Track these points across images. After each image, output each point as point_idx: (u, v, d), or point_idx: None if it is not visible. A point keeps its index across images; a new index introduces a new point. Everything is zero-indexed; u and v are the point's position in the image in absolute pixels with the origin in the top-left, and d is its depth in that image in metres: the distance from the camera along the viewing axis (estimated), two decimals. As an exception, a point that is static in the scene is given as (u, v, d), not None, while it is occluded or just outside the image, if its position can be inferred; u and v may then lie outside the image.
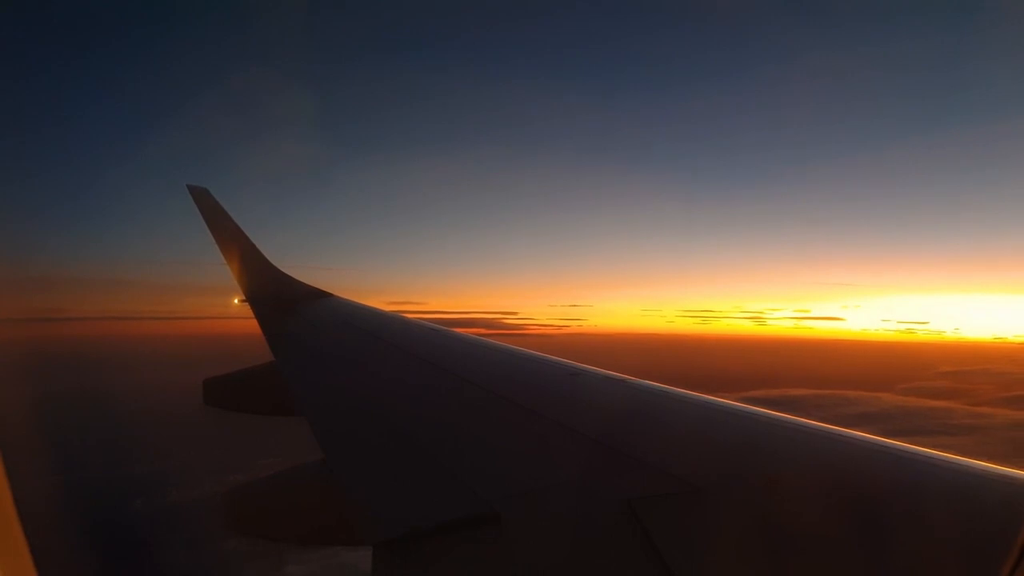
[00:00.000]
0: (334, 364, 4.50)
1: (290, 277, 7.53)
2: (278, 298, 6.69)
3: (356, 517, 2.09)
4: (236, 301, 6.83)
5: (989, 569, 1.48)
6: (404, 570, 1.71)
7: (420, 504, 2.05)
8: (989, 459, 2.07)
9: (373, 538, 1.84)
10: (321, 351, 4.98)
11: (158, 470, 35.85)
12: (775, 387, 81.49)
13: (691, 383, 3.49)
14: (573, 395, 3.39)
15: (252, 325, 5.54)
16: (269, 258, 7.69)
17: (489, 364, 4.28)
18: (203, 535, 23.56)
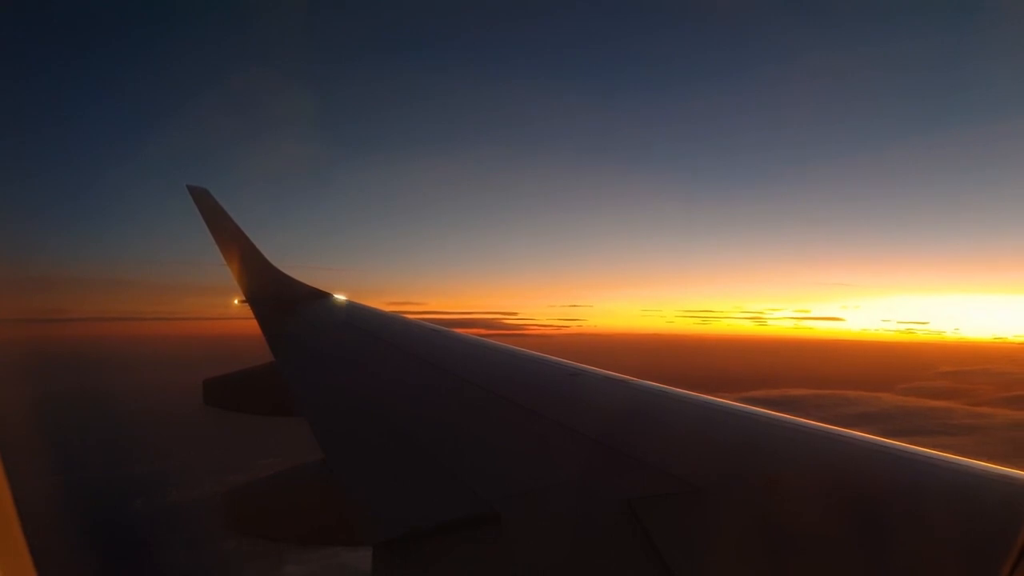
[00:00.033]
0: (334, 364, 4.50)
1: (290, 277, 7.52)
2: (278, 298, 6.68)
3: (356, 517, 2.09)
4: (236, 301, 6.81)
5: (989, 569, 1.48)
6: (404, 570, 1.71)
7: (420, 504, 2.05)
8: (989, 459, 2.07)
9: (373, 538, 1.84)
10: (321, 351, 4.98)
11: (158, 470, 35.88)
12: (775, 387, 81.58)
13: (691, 383, 3.49)
14: (573, 395, 3.39)
15: (252, 325, 5.54)
16: (269, 258, 7.67)
17: (489, 364, 4.28)
18: (203, 535, 23.58)
